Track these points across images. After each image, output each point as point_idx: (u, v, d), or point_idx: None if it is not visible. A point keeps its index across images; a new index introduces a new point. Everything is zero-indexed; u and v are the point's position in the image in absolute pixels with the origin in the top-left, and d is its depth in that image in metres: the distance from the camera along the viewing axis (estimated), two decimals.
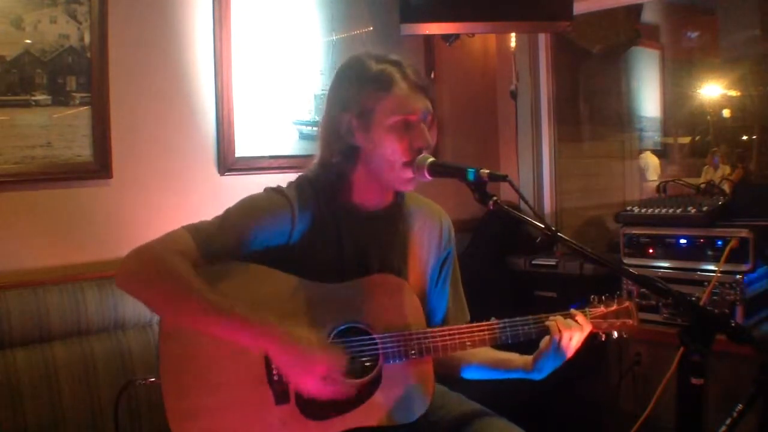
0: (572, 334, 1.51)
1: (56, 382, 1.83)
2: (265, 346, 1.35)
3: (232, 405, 1.37)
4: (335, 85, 1.56)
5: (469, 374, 1.66)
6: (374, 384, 1.45)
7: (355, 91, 1.50)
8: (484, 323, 1.54)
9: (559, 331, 1.51)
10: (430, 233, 1.66)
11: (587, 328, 1.55)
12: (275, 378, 1.39)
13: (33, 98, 1.99)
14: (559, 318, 1.54)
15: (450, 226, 1.71)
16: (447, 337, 1.49)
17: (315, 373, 1.33)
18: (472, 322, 1.57)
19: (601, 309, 1.60)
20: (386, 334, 1.46)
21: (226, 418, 1.36)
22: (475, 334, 1.52)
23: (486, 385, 1.66)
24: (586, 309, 1.60)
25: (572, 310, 1.57)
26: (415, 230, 1.64)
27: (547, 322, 1.53)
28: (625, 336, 1.62)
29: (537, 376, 1.57)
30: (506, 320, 1.54)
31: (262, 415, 1.38)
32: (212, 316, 1.33)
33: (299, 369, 1.34)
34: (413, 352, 1.47)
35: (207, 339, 1.36)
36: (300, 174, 1.61)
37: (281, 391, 1.39)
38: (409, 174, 1.48)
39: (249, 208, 1.49)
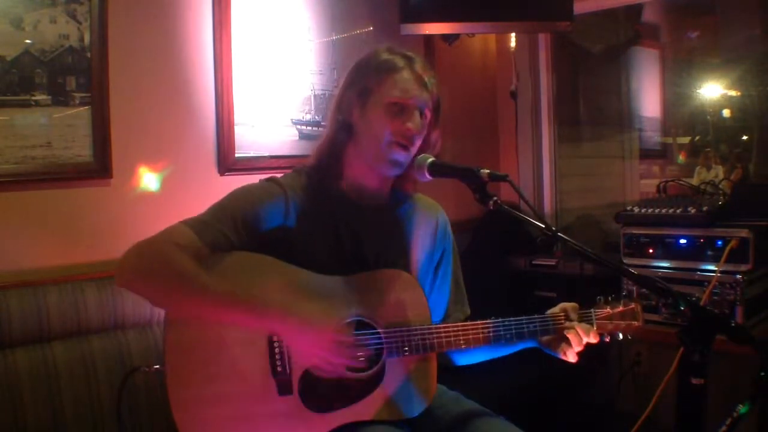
0: (584, 347, 1.52)
1: (56, 382, 1.83)
2: (269, 324, 1.38)
3: (236, 395, 1.37)
4: (349, 71, 1.61)
5: (465, 360, 1.66)
6: (377, 378, 1.46)
7: (362, 73, 1.57)
8: (489, 321, 1.52)
9: (579, 340, 1.50)
10: (426, 229, 1.67)
11: (594, 341, 1.54)
12: (279, 369, 1.40)
13: (33, 98, 1.99)
14: (579, 328, 1.52)
15: (446, 221, 1.71)
16: (451, 335, 1.49)
17: (324, 340, 1.35)
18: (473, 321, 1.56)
19: (607, 310, 1.59)
20: (391, 329, 1.47)
21: (229, 408, 1.37)
22: (480, 332, 1.51)
23: (485, 385, 1.66)
24: (592, 310, 1.58)
25: (578, 325, 1.53)
26: (412, 225, 1.65)
27: (567, 333, 1.52)
28: (629, 338, 1.61)
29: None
30: (511, 318, 1.53)
31: (265, 406, 1.39)
32: (213, 300, 1.35)
33: (307, 338, 1.36)
34: (416, 347, 1.47)
35: (212, 328, 1.37)
36: (296, 166, 1.64)
37: (285, 383, 1.40)
38: (394, 154, 1.50)
39: (242, 193, 1.52)
